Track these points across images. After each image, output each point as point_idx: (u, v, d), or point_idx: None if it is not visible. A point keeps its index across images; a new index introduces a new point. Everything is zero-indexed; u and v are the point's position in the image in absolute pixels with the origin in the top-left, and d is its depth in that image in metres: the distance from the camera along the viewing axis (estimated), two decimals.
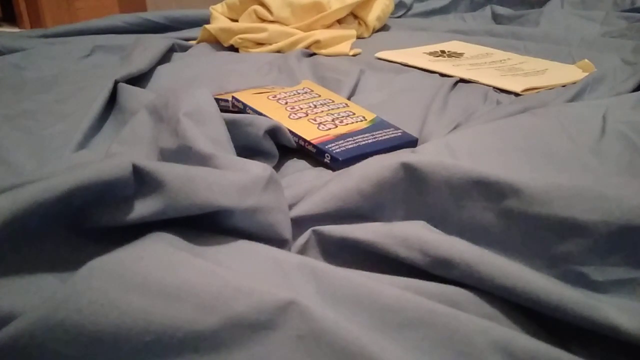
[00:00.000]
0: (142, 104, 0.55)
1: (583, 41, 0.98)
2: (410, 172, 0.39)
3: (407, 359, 0.27)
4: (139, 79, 0.76)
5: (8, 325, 0.26)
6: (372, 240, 0.36)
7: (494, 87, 0.76)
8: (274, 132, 0.54)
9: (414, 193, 0.39)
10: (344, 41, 1.00)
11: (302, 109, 0.62)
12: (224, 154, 0.40)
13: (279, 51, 0.97)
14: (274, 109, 0.60)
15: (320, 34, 0.98)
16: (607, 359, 0.30)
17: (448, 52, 0.95)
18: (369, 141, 0.56)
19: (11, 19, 2.19)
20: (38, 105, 0.67)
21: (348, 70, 0.81)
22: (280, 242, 0.37)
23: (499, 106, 0.67)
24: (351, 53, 0.96)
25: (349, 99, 0.72)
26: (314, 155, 0.54)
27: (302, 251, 0.39)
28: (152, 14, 1.13)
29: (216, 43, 1.01)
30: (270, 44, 0.98)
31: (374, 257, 0.36)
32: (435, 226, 0.38)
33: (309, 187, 0.44)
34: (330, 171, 0.52)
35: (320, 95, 0.66)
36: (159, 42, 0.88)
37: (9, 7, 2.15)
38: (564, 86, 0.75)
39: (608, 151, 0.46)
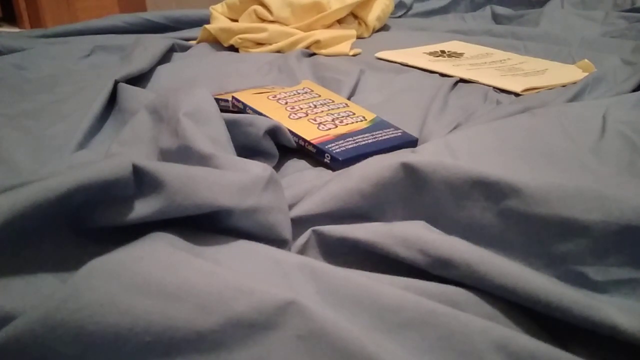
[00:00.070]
0: (142, 104, 0.55)
1: (583, 41, 0.98)
2: (410, 172, 0.39)
3: (407, 359, 0.27)
4: (139, 79, 0.76)
5: (8, 325, 0.26)
6: (372, 240, 0.36)
7: (494, 87, 0.76)
8: (274, 132, 0.54)
9: (414, 193, 0.39)
10: (344, 41, 1.00)
11: (302, 109, 0.62)
12: (224, 154, 0.40)
13: (279, 51, 0.96)
14: (274, 109, 0.60)
15: (320, 34, 0.98)
16: (607, 359, 0.30)
17: (448, 52, 0.95)
18: (369, 141, 0.56)
19: (11, 19, 2.19)
20: (38, 105, 0.67)
21: (348, 70, 0.81)
22: (280, 242, 0.37)
23: (499, 106, 0.67)
24: (351, 53, 0.96)
25: (349, 99, 0.72)
26: (314, 155, 0.54)
27: (302, 251, 0.39)
28: (152, 14, 1.13)
29: (216, 43, 1.01)
30: (270, 44, 0.98)
31: (374, 257, 0.36)
32: (435, 226, 0.38)
33: (309, 187, 0.44)
34: (330, 171, 0.52)
35: (320, 95, 0.66)
36: (159, 42, 0.88)
37: (9, 7, 2.15)
38: (564, 86, 0.75)
39: (608, 151, 0.46)
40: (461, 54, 0.94)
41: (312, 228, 0.39)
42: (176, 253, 0.29)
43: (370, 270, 0.34)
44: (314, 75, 0.82)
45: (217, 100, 0.63)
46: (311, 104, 0.63)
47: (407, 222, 0.38)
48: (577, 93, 0.67)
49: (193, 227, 0.34)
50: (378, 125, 0.60)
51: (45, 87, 0.74)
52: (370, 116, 0.62)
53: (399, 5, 1.34)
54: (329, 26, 1.05)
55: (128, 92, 0.66)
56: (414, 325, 0.29)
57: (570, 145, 0.46)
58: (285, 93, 0.66)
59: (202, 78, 0.79)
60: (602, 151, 0.46)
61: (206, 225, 0.35)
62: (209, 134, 0.44)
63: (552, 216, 0.35)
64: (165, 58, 0.88)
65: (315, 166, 0.54)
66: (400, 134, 0.59)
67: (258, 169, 0.37)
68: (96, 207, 0.32)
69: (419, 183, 0.39)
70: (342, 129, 0.58)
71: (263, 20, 1.02)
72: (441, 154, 0.44)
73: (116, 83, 0.68)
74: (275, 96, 0.64)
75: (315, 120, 0.59)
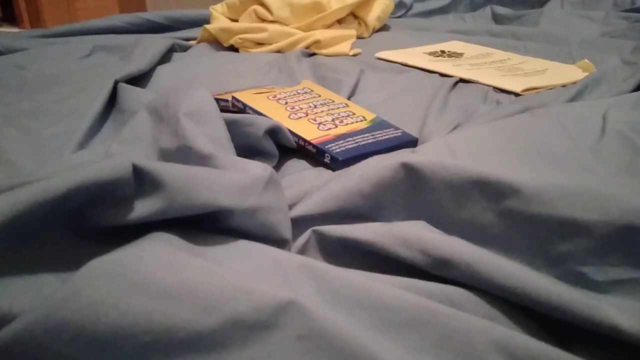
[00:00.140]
0: (142, 104, 0.55)
1: (583, 41, 0.98)
2: (410, 172, 0.39)
3: (407, 359, 0.27)
4: (139, 79, 0.76)
5: (8, 325, 0.26)
6: (372, 240, 0.36)
7: (494, 87, 0.76)
8: (274, 132, 0.54)
9: (414, 193, 0.39)
10: (344, 41, 1.00)
11: (302, 109, 0.62)
12: (224, 154, 0.40)
13: (279, 51, 0.96)
14: (274, 109, 0.60)
15: (320, 34, 0.98)
16: (607, 359, 0.30)
17: (448, 52, 0.95)
18: (369, 141, 0.56)
19: (11, 19, 2.19)
20: (38, 105, 0.67)
21: (348, 70, 0.81)
22: (280, 242, 0.37)
23: (499, 106, 0.67)
24: (351, 53, 0.96)
25: (349, 99, 0.72)
26: (314, 155, 0.54)
27: (302, 251, 0.39)
28: (152, 14, 1.13)
29: (216, 43, 1.01)
30: (270, 44, 0.98)
31: (374, 257, 0.36)
32: (435, 226, 0.38)
33: (309, 187, 0.44)
34: (330, 171, 0.52)
35: (320, 95, 0.66)
36: (159, 42, 0.88)
37: (9, 7, 2.15)
38: (564, 86, 0.75)
39: (608, 151, 0.46)
40: (461, 54, 0.94)
41: (312, 228, 0.39)
42: (176, 253, 0.29)
43: (370, 270, 0.34)
44: (314, 75, 0.82)
45: (217, 100, 0.63)
46: (311, 104, 0.63)
47: (407, 222, 0.38)
48: (577, 93, 0.67)
49: (193, 227, 0.34)
50: (378, 125, 0.60)
51: (45, 87, 0.74)
52: (370, 116, 0.62)
53: (399, 5, 1.34)
54: (329, 26, 1.05)
55: (128, 92, 0.66)
56: (414, 325, 0.29)
57: (570, 145, 0.46)
58: (285, 93, 0.66)
59: (202, 78, 0.79)
60: (602, 151, 0.46)
61: (206, 225, 0.35)
62: (209, 134, 0.44)
63: (552, 216, 0.35)
64: (165, 58, 0.88)
65: (315, 166, 0.54)
66: (400, 134, 0.59)
67: (258, 169, 0.37)
68: (96, 207, 0.32)
69: (419, 183, 0.39)
70: (342, 129, 0.58)
71: (263, 20, 1.02)
72: (441, 154, 0.44)
73: (116, 83, 0.68)
74: (275, 96, 0.64)
75: (315, 120, 0.59)
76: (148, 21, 1.11)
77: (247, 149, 0.52)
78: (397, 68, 0.87)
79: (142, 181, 0.33)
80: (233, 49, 1.00)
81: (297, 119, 0.59)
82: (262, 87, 0.71)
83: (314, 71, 0.84)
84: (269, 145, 0.53)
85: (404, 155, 0.40)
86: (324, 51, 0.97)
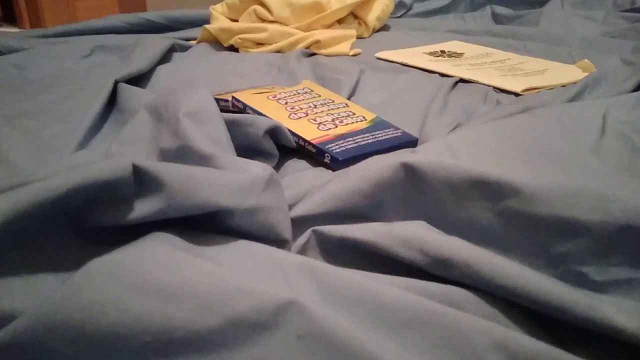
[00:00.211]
0: (142, 104, 0.55)
1: (583, 41, 0.98)
2: (410, 172, 0.39)
3: (407, 359, 0.27)
4: (139, 79, 0.76)
5: (8, 325, 0.26)
6: (372, 240, 0.36)
7: (494, 87, 0.76)
8: (274, 132, 0.54)
9: (414, 193, 0.39)
10: (344, 41, 1.00)
11: (302, 109, 0.62)
12: (224, 154, 0.40)
13: (279, 51, 0.97)
14: (274, 109, 0.60)
15: (320, 34, 0.98)
16: (607, 359, 0.30)
17: (448, 52, 0.95)
18: (369, 141, 0.56)
19: (11, 19, 2.19)
20: (38, 105, 0.67)
21: (348, 70, 0.81)
22: (280, 242, 0.37)
23: (499, 106, 0.67)
24: (351, 53, 0.96)
25: (349, 99, 0.72)
26: (314, 155, 0.54)
27: (302, 251, 0.39)
28: (152, 14, 1.13)
29: (216, 43, 1.01)
30: (270, 44, 0.98)
31: (374, 257, 0.36)
32: (435, 226, 0.38)
33: (309, 187, 0.44)
34: (330, 171, 0.52)
35: (320, 95, 0.66)
36: (159, 42, 0.88)
37: (9, 7, 2.15)
38: (564, 86, 0.75)
39: (608, 151, 0.46)
40: (461, 54, 0.94)
41: (312, 228, 0.39)
42: (176, 253, 0.29)
43: (370, 270, 0.34)
44: (314, 75, 0.82)
45: (217, 100, 0.63)
46: (311, 104, 0.63)
47: (407, 222, 0.38)
48: (577, 93, 0.67)
49: (193, 227, 0.34)
50: (378, 125, 0.60)
51: (45, 87, 0.74)
52: (370, 116, 0.62)
53: (399, 5, 1.34)
54: (329, 26, 1.05)
55: (128, 92, 0.66)
56: (414, 325, 0.29)
57: (570, 145, 0.46)
58: (285, 93, 0.66)
59: (202, 78, 0.79)
60: (602, 151, 0.46)
61: (206, 225, 0.35)
62: (209, 134, 0.44)
63: (552, 216, 0.35)
64: (165, 58, 0.88)
65: (315, 166, 0.54)
66: (400, 134, 0.59)
67: (258, 169, 0.37)
68: (96, 207, 0.32)
69: (419, 183, 0.39)
70: (342, 129, 0.58)
71: (263, 20, 1.02)
72: (441, 154, 0.44)
73: (116, 83, 0.68)
74: (275, 96, 0.64)
75: (315, 120, 0.59)
76: (148, 21, 1.11)
77: (247, 149, 0.52)
78: (397, 68, 0.87)
79: (142, 181, 0.33)
80: (233, 49, 1.00)
81: (297, 119, 0.59)
82: (262, 87, 0.71)
83: (314, 71, 0.84)
84: (269, 145, 0.53)
85: (404, 155, 0.40)
86: (324, 51, 0.97)
